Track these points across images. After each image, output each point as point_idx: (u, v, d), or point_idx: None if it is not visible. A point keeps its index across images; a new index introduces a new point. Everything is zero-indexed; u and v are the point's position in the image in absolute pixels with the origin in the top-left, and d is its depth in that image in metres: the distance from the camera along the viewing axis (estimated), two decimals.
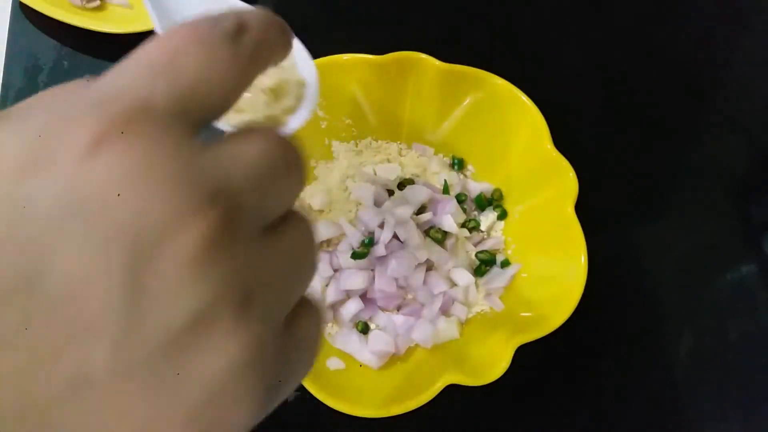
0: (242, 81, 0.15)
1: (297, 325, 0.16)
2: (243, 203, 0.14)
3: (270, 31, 0.16)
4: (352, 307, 0.38)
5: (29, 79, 0.47)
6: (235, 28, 0.15)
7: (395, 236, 0.38)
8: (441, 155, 0.43)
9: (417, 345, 0.38)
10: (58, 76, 0.47)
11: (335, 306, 0.38)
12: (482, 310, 0.39)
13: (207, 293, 0.13)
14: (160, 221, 0.13)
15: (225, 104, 0.15)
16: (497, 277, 0.39)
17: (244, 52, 0.15)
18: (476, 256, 0.40)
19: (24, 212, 0.12)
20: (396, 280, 0.38)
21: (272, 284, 0.15)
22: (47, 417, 0.13)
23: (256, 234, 0.15)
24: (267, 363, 0.14)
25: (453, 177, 0.42)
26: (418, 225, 0.39)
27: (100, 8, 0.47)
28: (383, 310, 0.38)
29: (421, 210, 0.40)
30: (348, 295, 0.38)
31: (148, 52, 0.14)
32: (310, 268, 0.17)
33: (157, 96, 0.14)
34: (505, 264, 0.40)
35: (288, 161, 0.15)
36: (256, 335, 0.14)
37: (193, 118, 0.14)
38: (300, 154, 0.16)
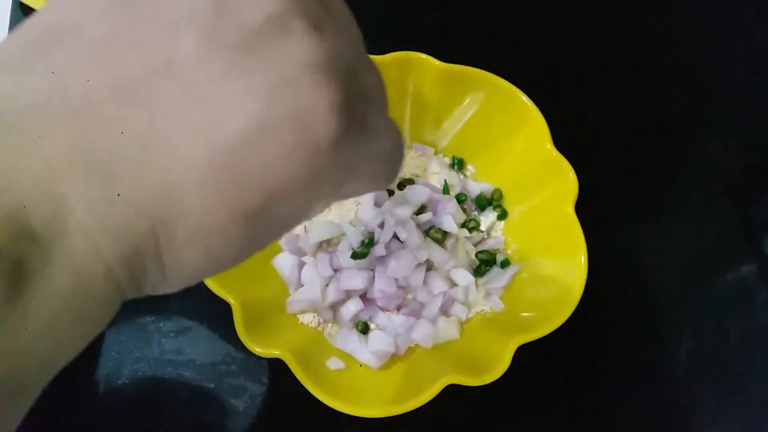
0: None
1: (365, 84, 0.17)
2: None
3: None
4: (352, 307, 0.38)
5: None
6: None
7: (395, 236, 0.38)
8: (441, 155, 0.43)
9: (417, 345, 0.38)
10: None
11: (335, 306, 0.38)
12: (482, 310, 0.39)
13: (282, 1, 0.15)
14: None
15: None
16: (497, 277, 0.39)
17: None
18: (476, 256, 0.40)
19: None
20: (396, 280, 0.38)
21: (336, 30, 0.16)
22: (138, 93, 0.14)
23: None
24: (341, 72, 0.16)
25: (453, 177, 0.42)
26: (418, 225, 0.39)
27: None
28: (383, 310, 0.38)
29: (421, 210, 0.40)
30: (348, 295, 0.38)
31: None
32: (361, 46, 0.18)
33: None
34: (505, 264, 0.40)
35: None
36: (328, 47, 0.15)
37: None
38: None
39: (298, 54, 0.15)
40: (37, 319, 0.14)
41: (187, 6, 0.15)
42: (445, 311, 0.39)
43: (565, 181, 0.38)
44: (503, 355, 0.34)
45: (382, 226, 0.38)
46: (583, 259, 0.36)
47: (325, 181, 0.16)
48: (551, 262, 0.38)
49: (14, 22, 0.48)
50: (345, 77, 0.16)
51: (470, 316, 0.39)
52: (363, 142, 0.17)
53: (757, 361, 0.41)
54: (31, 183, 0.14)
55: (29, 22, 0.16)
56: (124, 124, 0.14)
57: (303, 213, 0.17)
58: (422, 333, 0.37)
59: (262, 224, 0.16)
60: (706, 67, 0.50)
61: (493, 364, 0.34)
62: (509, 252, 0.41)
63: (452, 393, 0.33)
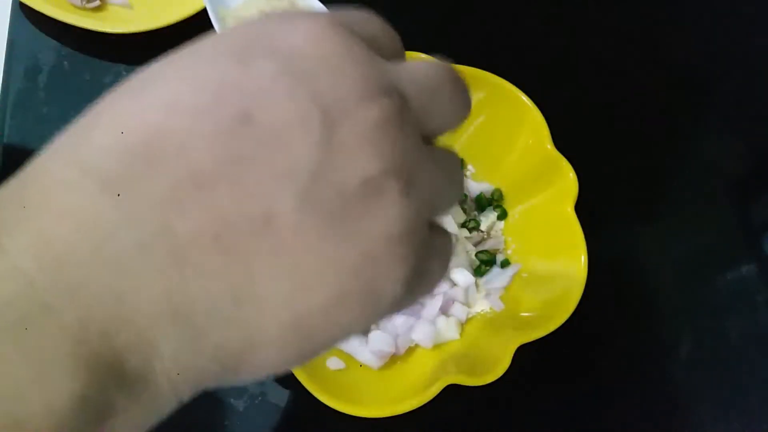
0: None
1: (435, 235, 0.18)
2: (412, 102, 0.16)
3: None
4: None
5: (29, 80, 0.47)
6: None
7: None
8: None
9: (417, 345, 0.38)
10: (59, 76, 0.47)
11: None
12: (482, 311, 0.39)
13: (380, 162, 0.15)
14: (351, 94, 0.15)
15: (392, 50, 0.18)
16: (497, 277, 0.39)
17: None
18: (476, 256, 0.40)
19: (248, 70, 0.15)
20: None
21: (429, 180, 0.17)
22: (237, 247, 0.14)
23: (419, 135, 0.17)
24: (417, 242, 0.16)
25: None
26: None
27: (100, 8, 0.47)
28: None
29: None
30: None
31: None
32: (458, 185, 0.19)
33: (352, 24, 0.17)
34: (505, 264, 0.40)
35: (455, 86, 0.18)
36: (414, 212, 0.16)
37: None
38: (465, 84, 0.19)
39: (383, 226, 0.15)
40: None
41: (293, 158, 0.15)
42: (445, 311, 0.39)
43: (565, 181, 0.38)
44: (503, 355, 0.34)
45: None
46: (583, 259, 0.36)
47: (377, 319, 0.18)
48: (551, 262, 0.38)
49: (14, 22, 0.48)
50: (419, 245, 0.16)
51: (470, 316, 0.39)
52: (418, 286, 0.18)
53: (757, 360, 0.41)
54: (134, 332, 0.14)
55: (120, 118, 0.15)
56: (221, 280, 0.14)
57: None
58: (422, 333, 0.37)
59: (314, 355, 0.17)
60: (707, 68, 0.50)
61: (493, 364, 0.34)
62: (509, 252, 0.41)
63: (452, 393, 0.33)
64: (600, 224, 0.38)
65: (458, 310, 0.39)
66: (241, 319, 0.15)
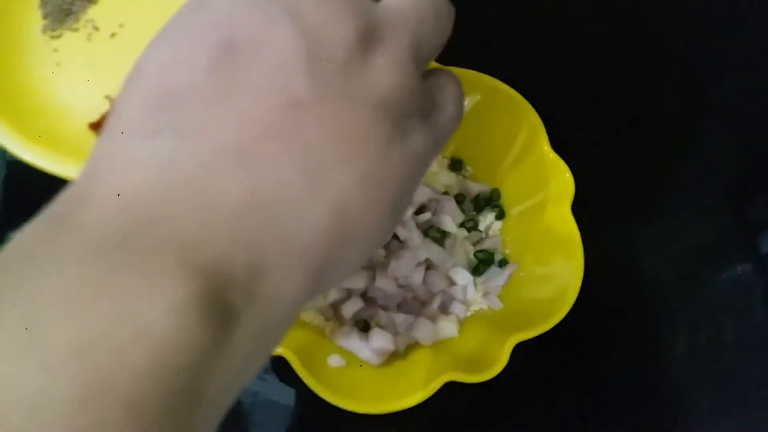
0: None
1: (434, 73, 0.21)
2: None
3: None
4: (353, 305, 0.38)
5: None
6: None
7: (395, 236, 0.39)
8: (440, 156, 0.44)
9: (417, 342, 0.38)
10: None
11: (336, 304, 0.39)
12: (481, 309, 0.40)
13: (355, 20, 0.17)
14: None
15: None
16: (495, 276, 0.40)
17: None
18: (475, 255, 0.41)
19: (208, 13, 0.17)
20: (396, 279, 0.38)
21: (408, 24, 0.19)
22: (281, 133, 0.16)
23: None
24: (415, 76, 0.18)
25: (452, 178, 0.43)
26: (418, 225, 0.39)
27: None
28: (383, 308, 0.39)
29: (420, 210, 0.40)
30: (349, 294, 0.39)
31: None
32: (444, 17, 0.21)
33: None
34: (503, 263, 0.40)
35: (439, 12, 0.20)
36: (400, 54, 0.18)
37: None
38: (450, 9, 0.21)
39: (383, 74, 0.18)
40: (239, 355, 0.15)
41: (282, 50, 0.17)
42: (444, 309, 0.39)
43: (562, 181, 0.38)
44: (501, 353, 0.34)
45: None
46: (580, 258, 0.36)
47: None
48: (548, 262, 0.39)
49: None
50: (415, 83, 0.19)
51: (469, 314, 0.40)
52: (437, 119, 0.20)
53: (754, 360, 0.41)
54: (229, 232, 0.15)
55: (136, 90, 0.17)
56: (286, 163, 0.16)
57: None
58: (422, 331, 0.38)
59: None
60: (704, 67, 0.50)
61: (492, 362, 0.34)
62: (507, 251, 0.41)
63: (451, 390, 0.34)
64: (596, 224, 0.38)
65: (457, 309, 0.39)
66: (320, 189, 0.16)
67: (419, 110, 0.19)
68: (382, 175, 0.17)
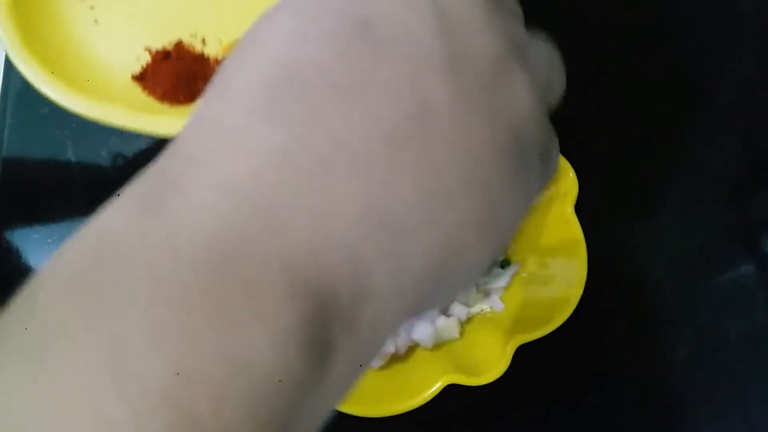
0: None
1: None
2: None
3: None
4: None
5: None
6: None
7: None
8: None
9: (417, 345, 0.38)
10: None
11: None
12: (482, 310, 0.39)
13: (502, 42, 0.16)
14: None
15: None
16: (497, 278, 0.39)
17: None
18: None
19: None
20: None
21: (537, 62, 0.17)
22: (407, 145, 0.14)
23: (522, 23, 0.18)
24: (543, 115, 0.17)
25: None
26: None
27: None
28: None
29: None
30: None
31: None
32: (561, 73, 0.20)
33: None
34: (505, 264, 0.40)
35: (563, 70, 0.19)
36: (536, 87, 0.17)
37: None
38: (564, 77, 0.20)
39: (519, 100, 0.16)
40: (330, 388, 0.14)
41: (424, 48, 0.15)
42: (445, 311, 0.39)
43: (565, 180, 0.38)
44: (503, 355, 0.34)
45: None
46: (583, 259, 0.36)
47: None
48: (551, 262, 0.39)
49: None
50: (545, 118, 0.18)
51: (470, 315, 0.39)
52: (547, 164, 0.19)
53: (756, 360, 0.41)
54: (333, 247, 0.13)
55: (255, 63, 0.15)
56: (406, 180, 0.14)
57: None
58: (422, 333, 0.37)
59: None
60: (706, 67, 0.50)
61: (493, 364, 0.34)
62: (509, 252, 0.41)
63: (452, 392, 0.33)
64: (600, 224, 0.38)
65: (458, 310, 0.39)
66: (437, 214, 0.14)
67: (542, 147, 0.17)
68: (501, 216, 0.16)
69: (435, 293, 0.15)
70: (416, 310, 0.15)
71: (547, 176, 0.19)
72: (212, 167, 0.13)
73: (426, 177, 0.14)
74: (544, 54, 0.18)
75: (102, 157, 0.44)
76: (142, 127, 0.34)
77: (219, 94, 0.15)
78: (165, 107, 0.37)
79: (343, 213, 0.13)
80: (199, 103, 0.15)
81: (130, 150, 0.45)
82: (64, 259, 0.13)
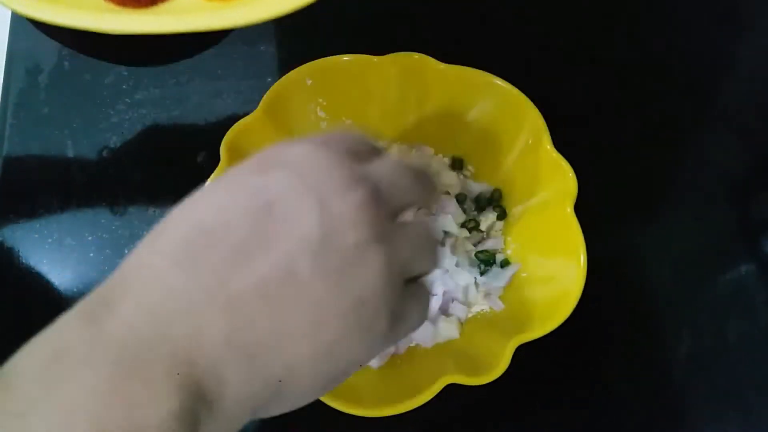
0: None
1: (413, 288, 0.25)
2: (382, 187, 0.23)
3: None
4: None
5: (30, 80, 0.47)
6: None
7: None
8: (441, 155, 0.43)
9: (417, 344, 0.38)
10: (59, 77, 0.47)
11: None
12: (482, 310, 0.39)
13: (365, 232, 0.22)
14: (337, 187, 0.22)
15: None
16: (497, 277, 0.39)
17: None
18: (476, 256, 0.40)
19: (267, 176, 0.22)
20: None
21: (402, 246, 0.23)
22: (271, 296, 0.20)
23: (391, 213, 0.24)
24: (395, 291, 0.23)
25: (453, 177, 0.42)
26: None
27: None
28: None
29: (420, 210, 0.40)
30: None
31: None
32: (430, 251, 0.25)
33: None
34: (505, 264, 0.40)
35: (410, 173, 0.25)
36: (391, 267, 0.22)
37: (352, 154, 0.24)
38: (421, 172, 0.26)
39: (371, 277, 0.22)
40: None
41: (304, 231, 0.21)
42: (445, 311, 0.39)
43: (565, 181, 0.38)
44: (503, 355, 0.34)
45: None
46: (582, 258, 0.36)
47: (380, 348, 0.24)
48: (550, 262, 0.38)
49: (15, 23, 0.48)
50: (397, 293, 0.23)
51: (470, 315, 0.39)
52: (400, 326, 0.24)
53: (756, 361, 0.41)
54: (207, 362, 0.19)
55: (182, 218, 0.22)
56: (263, 321, 0.20)
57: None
58: (422, 333, 0.37)
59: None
60: (706, 67, 0.50)
61: (493, 364, 0.34)
62: (509, 252, 0.41)
63: (452, 392, 0.33)
64: (599, 224, 0.38)
65: (458, 310, 0.39)
66: (281, 348, 0.21)
67: (390, 314, 0.22)
68: (335, 358, 0.21)
69: (279, 401, 0.22)
70: (265, 409, 0.22)
71: (406, 330, 0.24)
72: (134, 296, 0.20)
73: (279, 321, 0.20)
74: (415, 235, 0.24)
75: (102, 157, 0.44)
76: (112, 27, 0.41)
77: (151, 241, 0.22)
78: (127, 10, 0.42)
79: (214, 335, 0.20)
80: (138, 245, 0.22)
81: (130, 150, 0.45)
82: (32, 356, 0.19)
